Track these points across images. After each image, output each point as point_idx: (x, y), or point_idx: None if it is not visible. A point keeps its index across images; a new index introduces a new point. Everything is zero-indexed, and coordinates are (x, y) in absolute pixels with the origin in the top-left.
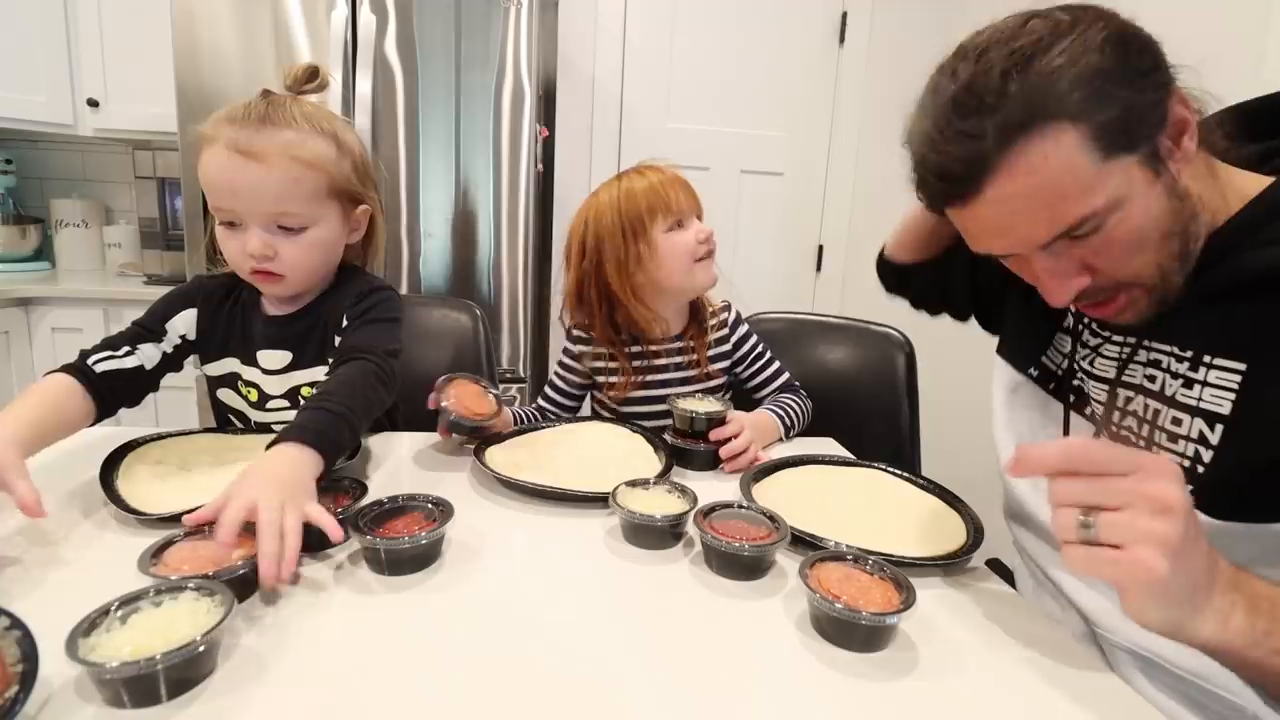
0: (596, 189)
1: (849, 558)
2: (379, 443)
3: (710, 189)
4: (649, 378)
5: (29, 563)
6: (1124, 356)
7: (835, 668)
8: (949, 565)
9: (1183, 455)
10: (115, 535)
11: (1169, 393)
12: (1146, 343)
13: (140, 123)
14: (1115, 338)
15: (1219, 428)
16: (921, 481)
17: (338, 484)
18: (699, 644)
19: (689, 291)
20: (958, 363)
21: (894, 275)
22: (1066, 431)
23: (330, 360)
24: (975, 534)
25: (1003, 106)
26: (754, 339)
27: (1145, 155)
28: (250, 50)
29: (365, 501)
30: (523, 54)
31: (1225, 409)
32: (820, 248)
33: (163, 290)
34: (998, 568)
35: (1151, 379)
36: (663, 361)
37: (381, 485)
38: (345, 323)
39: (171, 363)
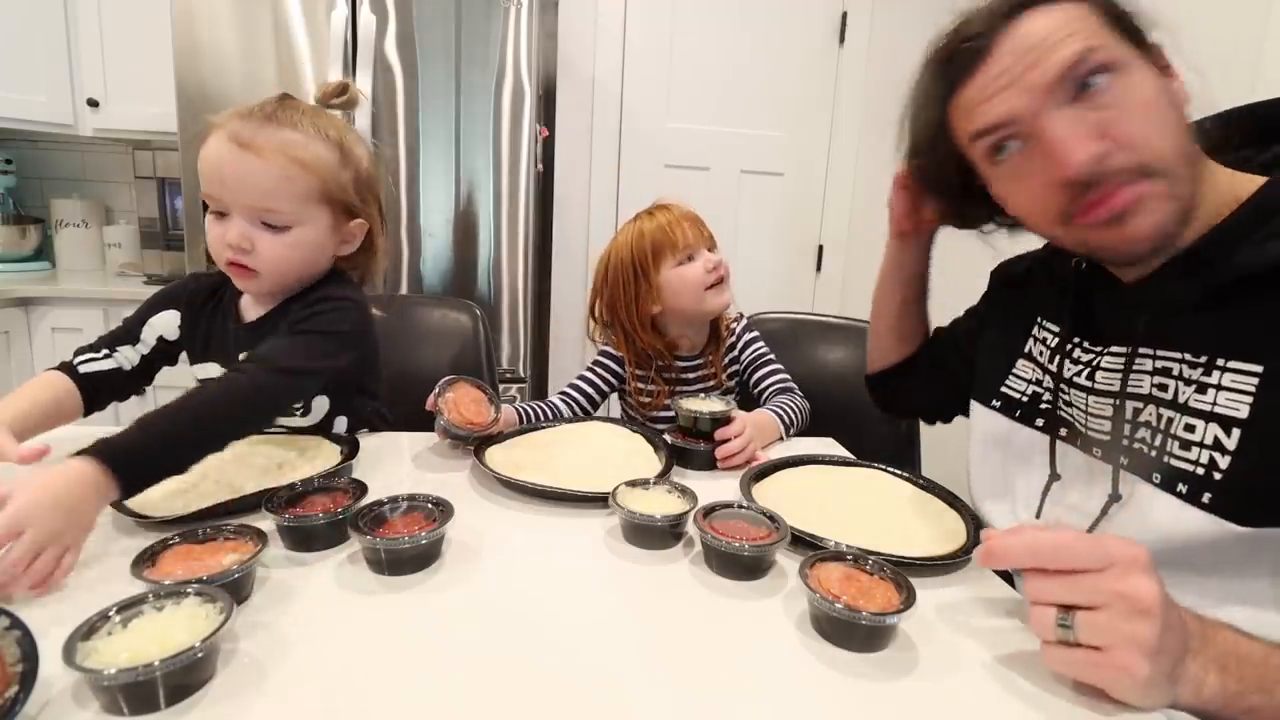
0: (620, 229)
1: (849, 558)
2: (379, 443)
3: (710, 189)
4: (677, 388)
5: None
6: (1126, 366)
7: (835, 668)
8: (949, 565)
9: (1196, 463)
10: (116, 536)
11: (1182, 399)
12: (1150, 350)
13: (140, 123)
14: (1114, 349)
15: (1236, 432)
16: (921, 481)
17: (338, 484)
18: (699, 644)
19: (704, 315)
20: None
21: (889, 392)
22: (1054, 457)
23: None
24: (975, 534)
25: None
26: (759, 343)
27: (1151, 60)
28: (250, 50)
29: (365, 501)
30: (523, 54)
31: (1242, 412)
32: (820, 248)
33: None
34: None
35: (1163, 388)
36: (689, 376)
37: (381, 485)
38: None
39: (155, 362)
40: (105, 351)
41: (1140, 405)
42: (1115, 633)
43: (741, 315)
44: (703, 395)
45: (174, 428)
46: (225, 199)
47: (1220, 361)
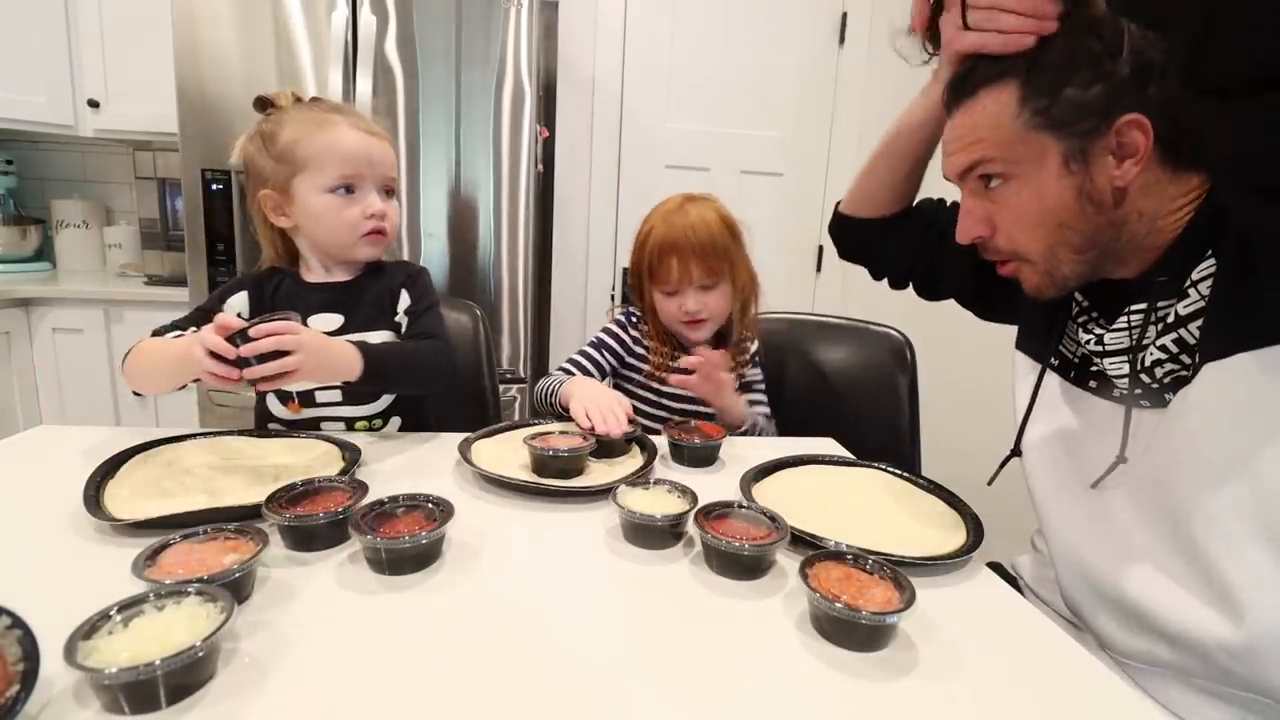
0: (656, 207)
1: (849, 558)
2: (379, 443)
3: (710, 189)
4: (666, 384)
5: (31, 561)
6: (1132, 324)
7: (835, 668)
8: (949, 565)
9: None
10: (117, 536)
11: (1182, 313)
12: (1142, 306)
13: (140, 123)
14: (1119, 323)
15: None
16: (921, 481)
17: (338, 484)
18: (699, 643)
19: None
20: (958, 363)
21: (854, 235)
22: (1129, 423)
23: (400, 331)
24: (975, 534)
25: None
26: (758, 374)
27: (1069, 148)
28: (250, 50)
29: (365, 501)
30: (523, 54)
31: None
32: (820, 248)
33: (163, 290)
34: (998, 569)
35: (1166, 317)
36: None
37: (381, 485)
38: (408, 299)
39: None
40: (194, 329)
41: (1152, 350)
42: None
43: (758, 354)
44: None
45: (395, 357)
46: (367, 176)
47: (1193, 276)
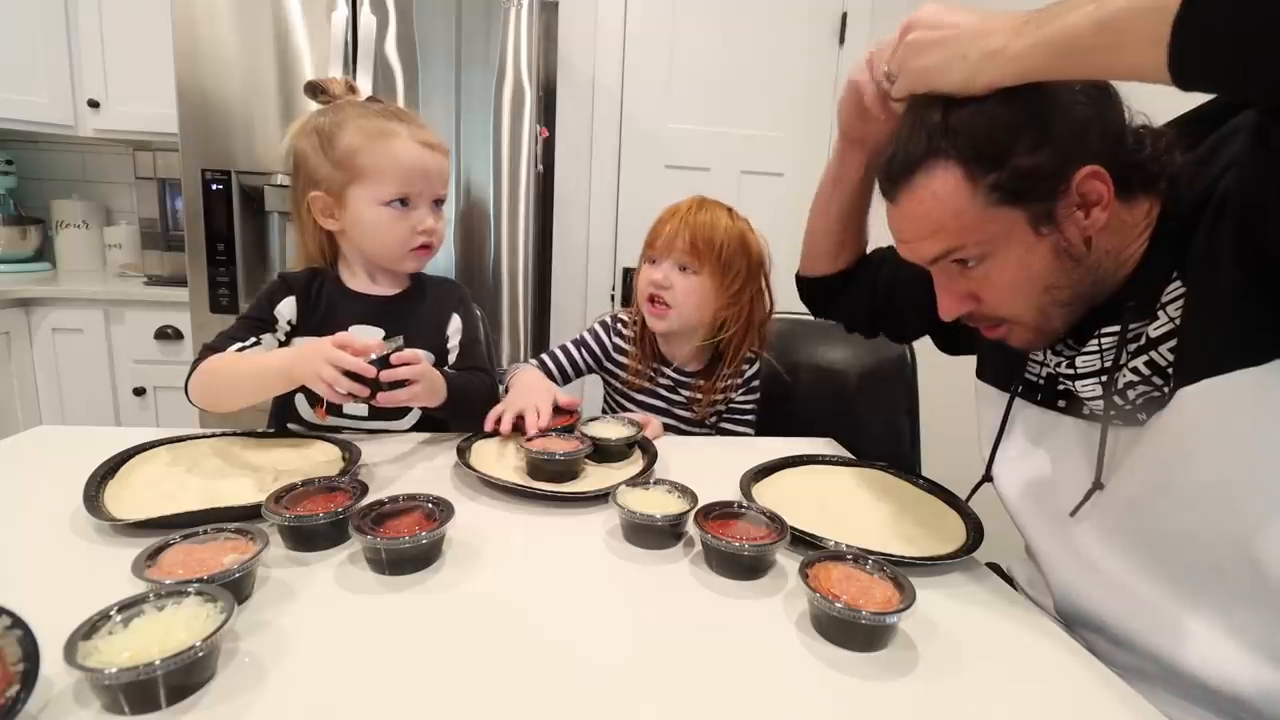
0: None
1: (849, 558)
2: (379, 443)
3: (710, 189)
4: (655, 386)
5: (31, 561)
6: (1104, 347)
7: (835, 668)
8: (949, 565)
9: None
10: (117, 536)
11: (1153, 335)
12: (1114, 328)
13: (140, 123)
14: (1090, 345)
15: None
16: (921, 481)
17: (338, 484)
18: (699, 644)
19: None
20: (958, 363)
21: (816, 293)
22: (1104, 449)
23: (444, 354)
24: (975, 534)
25: (922, 134)
26: (754, 396)
27: (1034, 214)
28: (250, 50)
29: (365, 501)
30: (523, 54)
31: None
32: None
33: (163, 291)
34: (996, 569)
35: (1138, 338)
36: (665, 392)
37: (381, 485)
38: (460, 326)
39: (286, 346)
40: (254, 340)
41: (1126, 372)
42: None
43: (757, 360)
44: (608, 419)
45: (464, 390)
46: (424, 191)
47: (1161, 300)
